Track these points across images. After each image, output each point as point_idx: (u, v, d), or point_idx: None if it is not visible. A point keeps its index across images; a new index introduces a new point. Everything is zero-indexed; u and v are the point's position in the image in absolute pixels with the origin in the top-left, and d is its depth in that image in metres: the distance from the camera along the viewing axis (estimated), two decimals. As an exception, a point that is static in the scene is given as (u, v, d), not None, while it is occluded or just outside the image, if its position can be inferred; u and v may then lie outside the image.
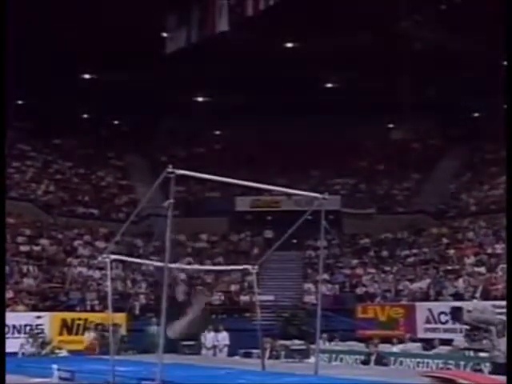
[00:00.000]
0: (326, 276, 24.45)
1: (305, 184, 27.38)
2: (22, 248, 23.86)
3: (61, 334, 19.25)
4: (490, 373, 11.59)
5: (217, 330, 19.29)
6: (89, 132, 33.61)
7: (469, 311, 13.61)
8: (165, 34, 24.74)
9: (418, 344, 16.98)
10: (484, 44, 24.46)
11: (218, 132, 36.75)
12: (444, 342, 16.11)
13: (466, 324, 13.80)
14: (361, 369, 13.07)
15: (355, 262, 27.04)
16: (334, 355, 15.69)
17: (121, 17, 23.75)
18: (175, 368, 10.61)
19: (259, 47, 26.27)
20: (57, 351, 17.27)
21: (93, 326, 19.28)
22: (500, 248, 22.67)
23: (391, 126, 36.19)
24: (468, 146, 33.46)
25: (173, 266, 9.45)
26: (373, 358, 13.88)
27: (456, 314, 14.53)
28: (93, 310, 21.30)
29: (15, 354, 16.75)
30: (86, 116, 35.14)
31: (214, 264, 25.54)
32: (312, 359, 12.64)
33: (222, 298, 24.87)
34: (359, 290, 24.56)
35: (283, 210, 28.42)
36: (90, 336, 18.66)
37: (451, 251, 24.94)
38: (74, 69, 28.32)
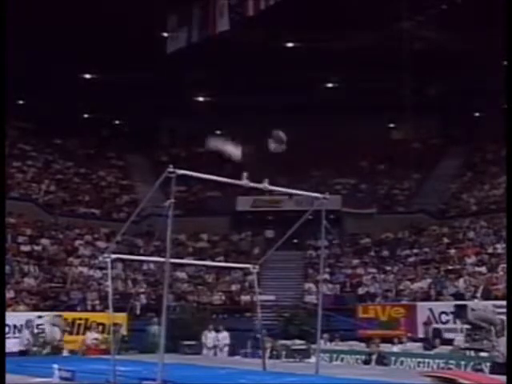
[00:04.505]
0: (326, 276, 24.42)
1: (305, 184, 27.40)
2: (23, 248, 23.86)
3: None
4: (491, 372, 11.59)
5: (217, 330, 19.30)
6: (89, 132, 33.62)
7: (473, 309, 13.64)
8: (165, 34, 24.77)
9: (419, 344, 16.97)
10: (484, 44, 24.47)
11: (218, 132, 36.73)
12: (445, 342, 16.10)
13: (470, 323, 13.81)
14: (362, 368, 13.07)
15: (356, 261, 27.01)
16: (334, 355, 15.67)
17: (121, 17, 23.77)
18: (176, 368, 10.62)
19: (259, 47, 26.29)
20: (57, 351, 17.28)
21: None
22: (501, 248, 22.66)
23: (392, 125, 36.22)
24: (468, 146, 33.45)
25: (174, 261, 9.46)
26: (373, 357, 13.89)
27: (460, 312, 14.55)
28: (94, 310, 21.30)
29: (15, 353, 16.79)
30: (86, 116, 35.18)
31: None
32: (313, 359, 12.66)
33: (223, 297, 24.85)
34: (360, 290, 24.51)
35: (284, 209, 28.43)
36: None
37: (452, 251, 24.93)
38: (74, 69, 28.35)
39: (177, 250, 24.06)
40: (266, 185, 9.45)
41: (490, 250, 23.59)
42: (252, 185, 9.46)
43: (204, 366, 12.88)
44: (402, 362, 14.30)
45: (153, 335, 17.93)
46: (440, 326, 19.16)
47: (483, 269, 22.32)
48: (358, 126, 31.94)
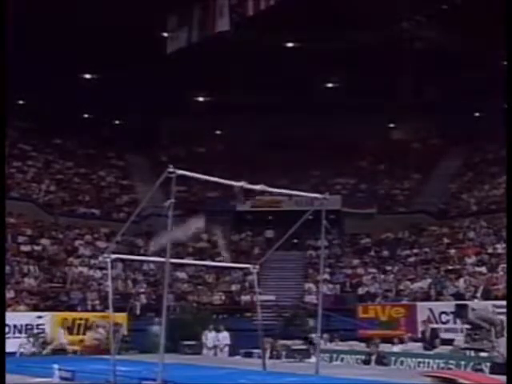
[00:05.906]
0: (326, 276, 24.44)
1: (305, 184, 27.41)
2: (23, 248, 23.86)
3: (62, 333, 19.21)
4: (491, 372, 11.59)
5: (218, 330, 19.29)
6: (89, 132, 33.61)
7: (473, 309, 13.66)
8: (165, 34, 24.75)
9: (419, 344, 16.97)
10: (484, 44, 24.47)
11: (218, 132, 36.75)
12: (445, 342, 16.10)
13: (470, 323, 13.82)
14: (362, 368, 13.08)
15: (356, 261, 27.04)
16: (334, 355, 15.68)
17: (121, 17, 23.75)
18: (176, 368, 10.62)
19: (259, 47, 26.29)
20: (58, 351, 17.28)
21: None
22: (501, 248, 22.67)
23: (391, 125, 36.22)
24: (468, 146, 33.46)
25: (174, 261, 9.46)
26: (373, 357, 13.89)
27: (461, 311, 14.56)
28: (94, 310, 21.29)
29: (15, 353, 16.79)
30: (86, 116, 35.17)
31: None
32: (313, 359, 12.65)
33: (223, 297, 24.87)
34: (360, 290, 24.53)
35: (284, 209, 28.44)
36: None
37: (452, 251, 24.94)
38: (74, 69, 28.34)
39: (177, 250, 24.05)
40: (263, 186, 9.44)
41: (490, 250, 23.60)
42: (249, 186, 9.45)
43: (204, 365, 12.88)
44: (402, 362, 14.30)
45: (155, 335, 17.92)
46: (440, 325, 19.17)
47: (483, 269, 22.32)
48: (358, 126, 31.93)
